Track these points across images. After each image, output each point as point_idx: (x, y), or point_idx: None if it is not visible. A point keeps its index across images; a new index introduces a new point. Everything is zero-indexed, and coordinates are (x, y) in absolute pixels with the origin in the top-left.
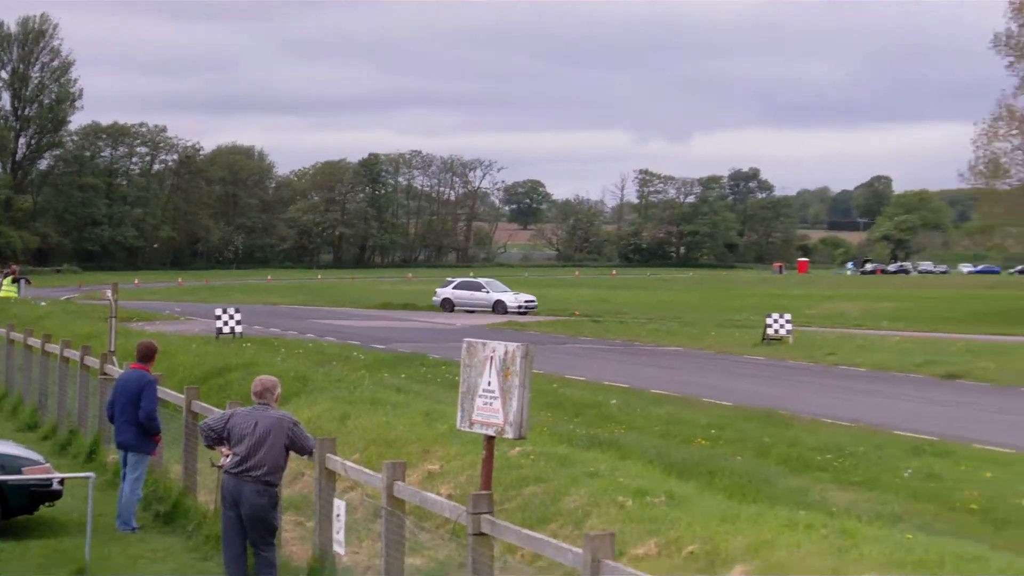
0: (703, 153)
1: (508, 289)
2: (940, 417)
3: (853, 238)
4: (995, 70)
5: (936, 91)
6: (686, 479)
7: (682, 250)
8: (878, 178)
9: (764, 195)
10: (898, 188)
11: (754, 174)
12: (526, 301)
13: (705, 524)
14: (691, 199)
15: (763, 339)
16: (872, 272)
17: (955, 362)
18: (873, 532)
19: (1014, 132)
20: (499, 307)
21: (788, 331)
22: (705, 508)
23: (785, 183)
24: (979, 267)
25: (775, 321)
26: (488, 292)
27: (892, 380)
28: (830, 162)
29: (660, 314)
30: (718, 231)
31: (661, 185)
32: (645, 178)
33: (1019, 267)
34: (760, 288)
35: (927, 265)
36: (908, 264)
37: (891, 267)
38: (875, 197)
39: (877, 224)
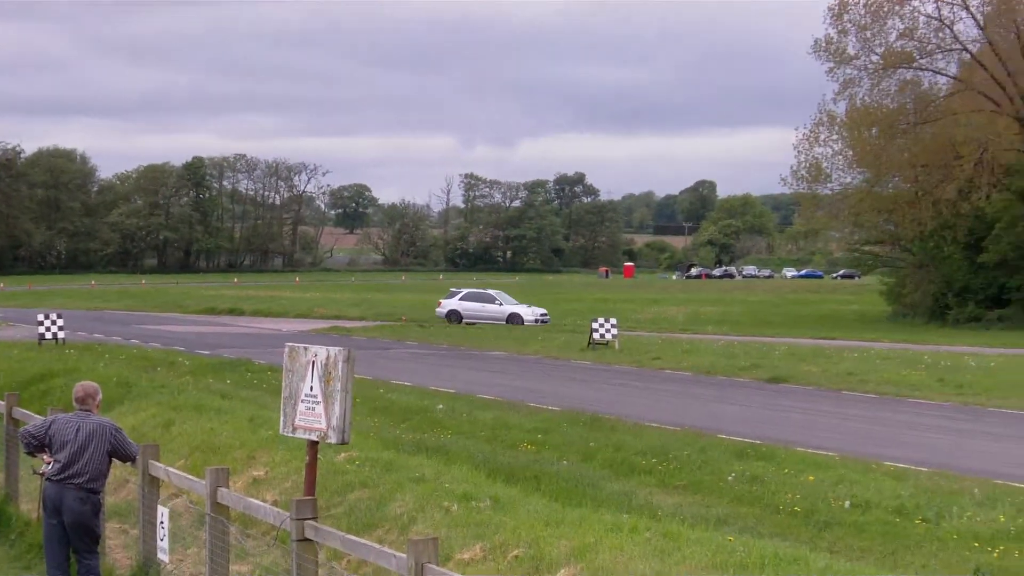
0: (529, 158)
1: (516, 301)
2: (764, 420)
3: (678, 242)
4: (817, 76)
5: (760, 97)
6: (512, 483)
7: (508, 254)
8: (702, 183)
9: (590, 200)
10: (722, 193)
11: (580, 179)
12: (541, 314)
13: (530, 528)
14: (517, 203)
15: (589, 344)
16: (697, 276)
17: (779, 365)
18: (696, 535)
19: (835, 137)
20: (514, 320)
21: (614, 335)
22: (530, 512)
23: (611, 188)
24: (803, 271)
25: (601, 326)
26: (501, 304)
27: (718, 384)
28: (655, 167)
29: None
30: (544, 235)
31: (487, 190)
32: (471, 182)
33: (842, 271)
34: (586, 292)
35: (751, 269)
36: (733, 268)
37: (716, 271)
38: (700, 202)
39: (702, 228)
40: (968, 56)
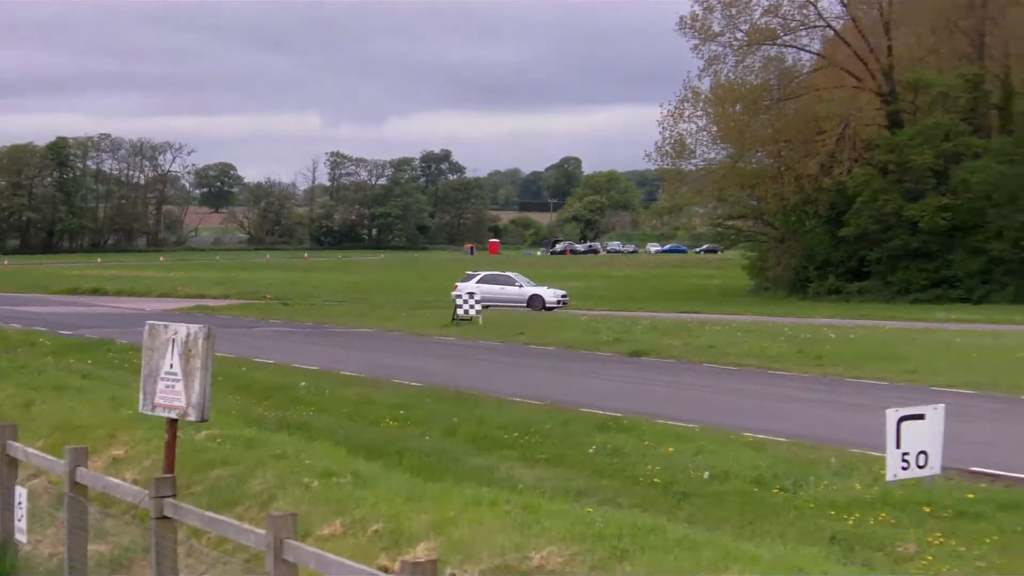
0: (396, 136)
1: (533, 282)
2: (626, 394)
3: (544, 219)
4: (683, 53)
5: (626, 74)
6: (374, 459)
7: (374, 232)
8: (568, 159)
9: (456, 177)
10: (587, 169)
11: (446, 156)
12: (562, 295)
13: (391, 503)
14: (383, 181)
15: (453, 319)
16: (562, 252)
17: (641, 340)
18: (556, 507)
19: (699, 113)
20: (536, 302)
21: (478, 311)
22: (391, 487)
23: (477, 165)
24: (666, 246)
25: (465, 301)
26: (521, 286)
27: (581, 358)
28: (521, 144)
29: (351, 296)
30: (410, 213)
31: (353, 168)
32: (337, 160)
33: (705, 246)
34: (452, 269)
35: (616, 245)
36: (598, 244)
37: (581, 247)
38: (565, 178)
39: (567, 205)
40: (831, 33)
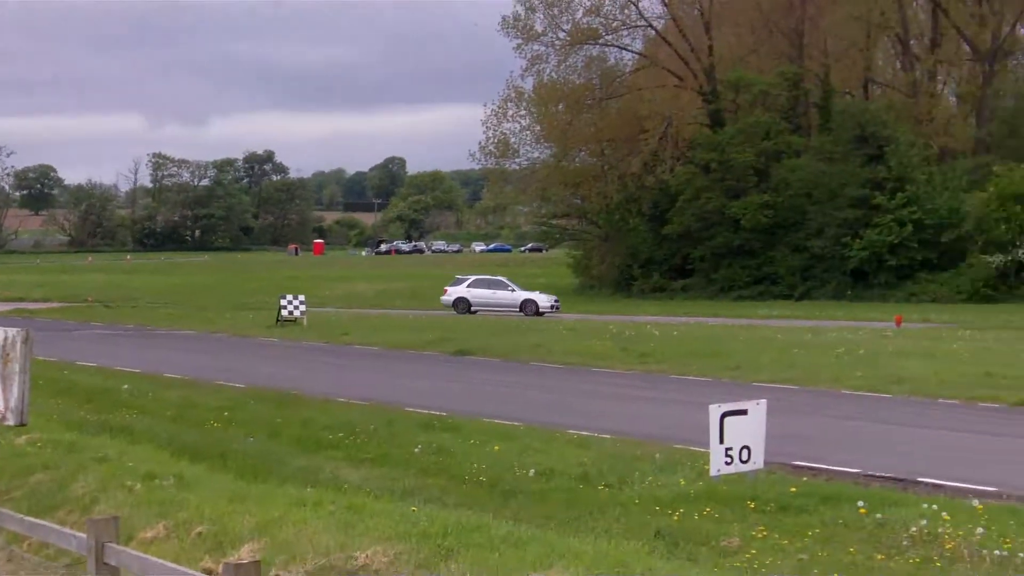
0: (219, 137)
1: (521, 287)
2: (452, 393)
3: (368, 219)
4: (507, 53)
5: (451, 74)
6: (198, 461)
7: (197, 233)
8: (392, 159)
9: (279, 178)
10: (412, 169)
11: (269, 156)
12: (555, 301)
13: (214, 505)
14: (206, 183)
15: (277, 321)
16: (387, 252)
17: (467, 339)
18: (381, 507)
19: (522, 113)
20: (529, 307)
21: (302, 312)
22: (215, 489)
23: (301, 166)
24: (491, 246)
25: (289, 303)
26: (514, 290)
27: (406, 358)
28: (345, 144)
29: (175, 298)
30: (233, 214)
31: (175, 169)
32: (159, 162)
33: (530, 245)
34: (276, 270)
35: (441, 244)
36: (422, 244)
37: (406, 247)
38: (390, 178)
39: (392, 205)
40: (653, 32)
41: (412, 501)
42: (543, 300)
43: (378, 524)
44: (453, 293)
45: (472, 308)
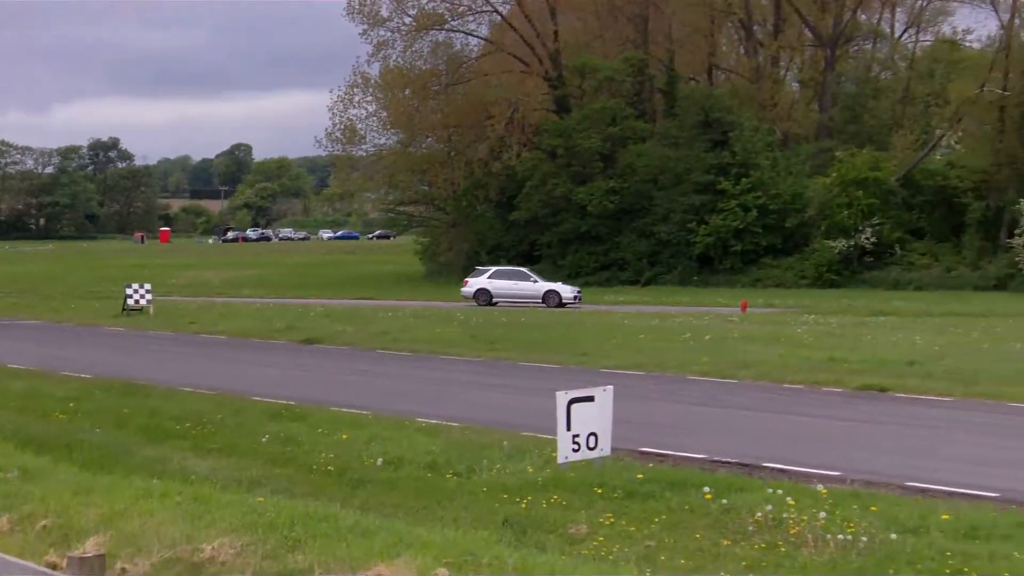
0: (63, 123)
1: (543, 278)
2: (300, 381)
3: (215, 206)
4: (353, 38)
5: (298, 60)
6: (43, 453)
7: (42, 222)
8: (239, 146)
9: (125, 165)
10: (259, 156)
11: (114, 143)
12: (577, 291)
13: (59, 497)
14: (50, 170)
15: (124, 310)
16: (234, 240)
17: (315, 327)
18: (228, 498)
19: (369, 99)
20: (551, 299)
21: (148, 301)
22: (60, 481)
23: (146, 152)
24: (339, 233)
25: (135, 291)
26: (536, 281)
27: (254, 347)
28: (191, 131)
29: (19, 287)
30: (78, 202)
31: (19, 156)
32: (2, 149)
33: (378, 232)
34: (122, 259)
35: (288, 232)
36: (270, 231)
37: (253, 234)
38: (236, 165)
39: (238, 192)
40: (499, 18)
41: (260, 491)
42: (566, 291)
43: (225, 515)
44: (474, 284)
45: (493, 300)
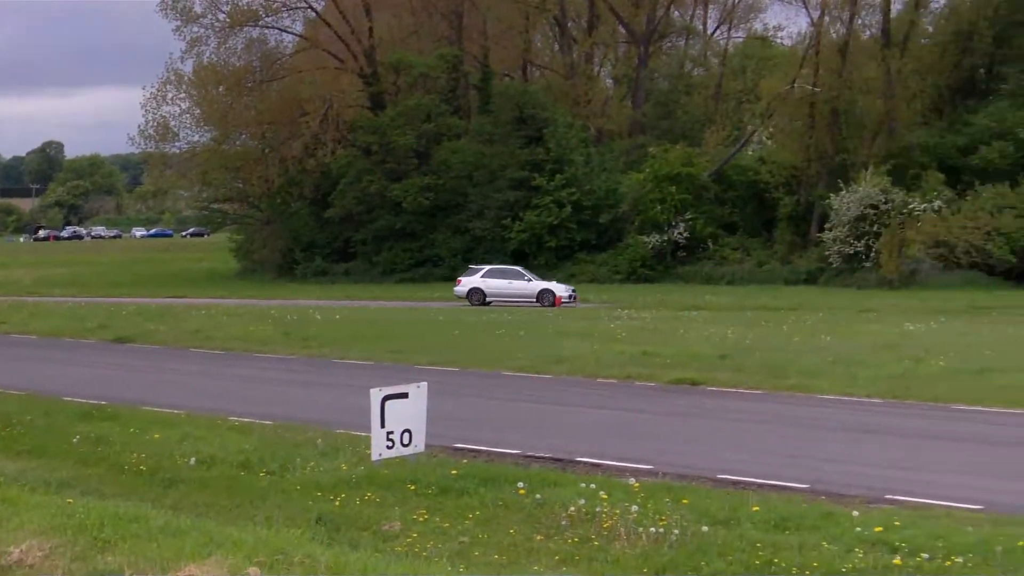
0: None
1: (535, 278)
2: (111, 381)
3: (26, 204)
4: (167, 34)
5: (111, 56)
6: None
7: None
8: (50, 143)
9: None
10: (70, 153)
11: None
12: (572, 291)
13: None
14: None
15: None
16: (45, 239)
17: (127, 326)
18: (37, 499)
19: (182, 96)
20: (546, 298)
21: None
22: None
23: None
24: (152, 231)
25: None
26: (530, 280)
27: (64, 346)
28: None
29: None
30: None
31: None
32: None
33: (192, 229)
34: None
35: (100, 230)
36: (82, 229)
37: (65, 233)
38: (47, 163)
39: (50, 190)
40: (313, 14)
41: (70, 493)
42: (560, 290)
43: (33, 517)
44: (467, 283)
45: (487, 299)
